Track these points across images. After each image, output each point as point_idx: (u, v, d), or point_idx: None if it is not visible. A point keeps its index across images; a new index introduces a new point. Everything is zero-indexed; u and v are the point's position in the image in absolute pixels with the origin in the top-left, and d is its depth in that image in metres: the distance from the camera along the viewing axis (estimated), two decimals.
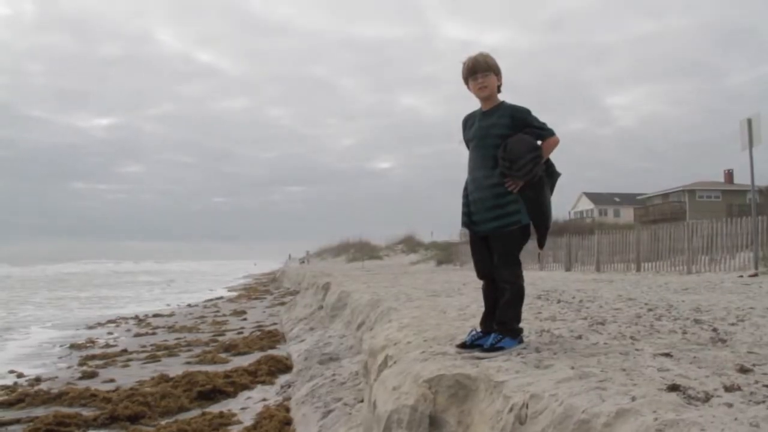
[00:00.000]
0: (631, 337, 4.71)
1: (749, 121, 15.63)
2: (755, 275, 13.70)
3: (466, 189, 4.62)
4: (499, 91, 4.52)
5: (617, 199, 76.33)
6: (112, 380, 11.40)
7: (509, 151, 4.24)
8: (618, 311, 6.86)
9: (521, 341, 4.42)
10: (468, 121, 4.67)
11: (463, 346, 4.46)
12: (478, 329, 4.55)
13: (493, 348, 4.21)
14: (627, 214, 67.76)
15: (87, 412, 8.91)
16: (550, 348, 4.30)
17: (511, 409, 3.05)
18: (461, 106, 4.59)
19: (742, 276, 13.75)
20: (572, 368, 3.48)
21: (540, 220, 4.47)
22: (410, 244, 74.53)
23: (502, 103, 4.51)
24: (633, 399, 2.72)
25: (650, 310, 6.88)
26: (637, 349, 4.10)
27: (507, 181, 4.30)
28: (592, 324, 5.65)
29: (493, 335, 4.32)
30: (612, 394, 2.84)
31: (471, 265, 4.92)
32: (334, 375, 8.64)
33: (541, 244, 4.73)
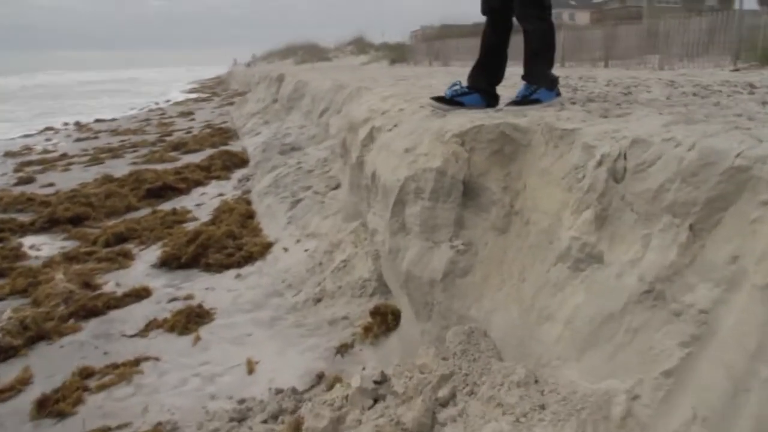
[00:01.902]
0: (694, 95, 3.75)
1: None
2: (737, 70, 12.73)
3: None
4: None
5: (573, 3, 73.64)
6: (51, 184, 10.23)
7: None
8: (640, 83, 5.64)
9: (559, 93, 3.45)
10: None
11: (441, 100, 3.50)
12: (463, 84, 3.54)
13: (528, 101, 3.25)
14: (582, 18, 65.51)
15: (24, 218, 7.88)
16: (606, 101, 3.33)
17: (599, 163, 2.10)
18: None
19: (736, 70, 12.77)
20: (661, 114, 2.52)
21: None
22: (360, 46, 71.46)
23: None
24: None
25: (678, 86, 5.50)
26: (724, 102, 3.15)
27: None
28: (627, 89, 4.61)
29: (524, 86, 3.36)
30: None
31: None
32: (299, 163, 7.68)
33: None
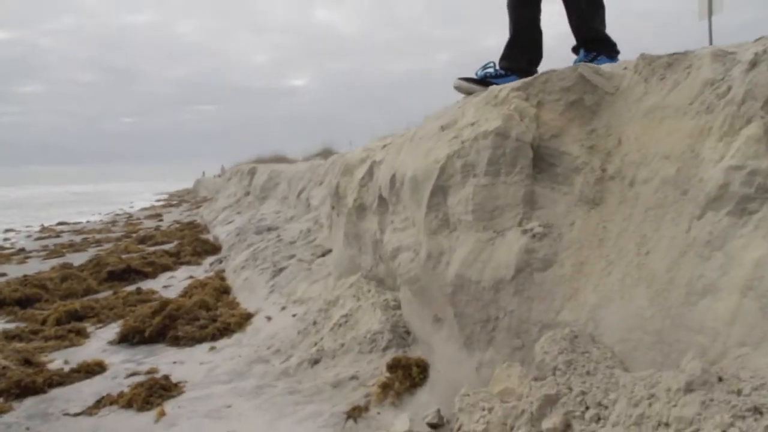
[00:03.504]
0: None
1: None
2: None
3: None
4: None
5: None
6: (3, 274, 9.32)
7: None
8: None
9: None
10: None
11: (471, 80, 2.86)
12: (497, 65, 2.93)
13: None
14: None
15: None
16: None
17: (754, 64, 1.45)
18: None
19: None
20: None
21: None
22: (328, 156, 72.17)
23: None
24: None
25: None
26: None
27: None
28: None
29: (582, 53, 2.78)
30: None
31: None
32: (279, 237, 6.93)
33: None
